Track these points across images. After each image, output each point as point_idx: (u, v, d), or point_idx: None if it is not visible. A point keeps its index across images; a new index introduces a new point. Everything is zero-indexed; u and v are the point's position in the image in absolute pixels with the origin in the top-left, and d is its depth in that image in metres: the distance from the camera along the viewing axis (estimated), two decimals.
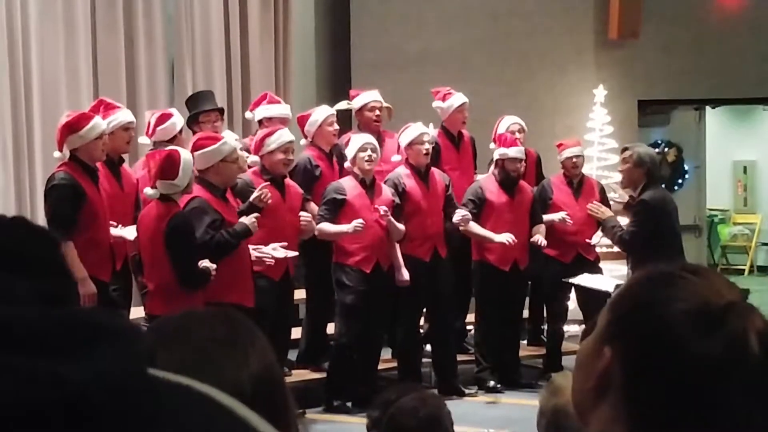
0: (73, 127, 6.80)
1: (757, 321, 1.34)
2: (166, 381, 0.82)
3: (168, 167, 6.48)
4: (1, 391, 0.69)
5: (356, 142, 8.12)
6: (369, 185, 8.15)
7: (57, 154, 6.92)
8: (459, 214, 8.51)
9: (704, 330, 1.32)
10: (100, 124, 6.92)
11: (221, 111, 8.67)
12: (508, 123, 9.28)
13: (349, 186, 8.09)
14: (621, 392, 1.34)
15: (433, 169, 8.60)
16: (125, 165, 7.62)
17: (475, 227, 8.67)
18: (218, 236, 6.79)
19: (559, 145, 9.23)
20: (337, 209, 8.01)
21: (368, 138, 8.21)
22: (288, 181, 7.86)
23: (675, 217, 8.38)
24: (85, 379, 0.71)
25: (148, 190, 6.60)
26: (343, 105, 9.35)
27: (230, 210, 7.04)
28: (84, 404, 0.71)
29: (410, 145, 8.43)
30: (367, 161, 8.08)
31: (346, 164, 8.22)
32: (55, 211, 6.71)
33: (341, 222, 8.00)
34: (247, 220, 6.97)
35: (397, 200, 8.27)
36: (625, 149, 8.57)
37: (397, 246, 8.30)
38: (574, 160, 9.14)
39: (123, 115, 7.37)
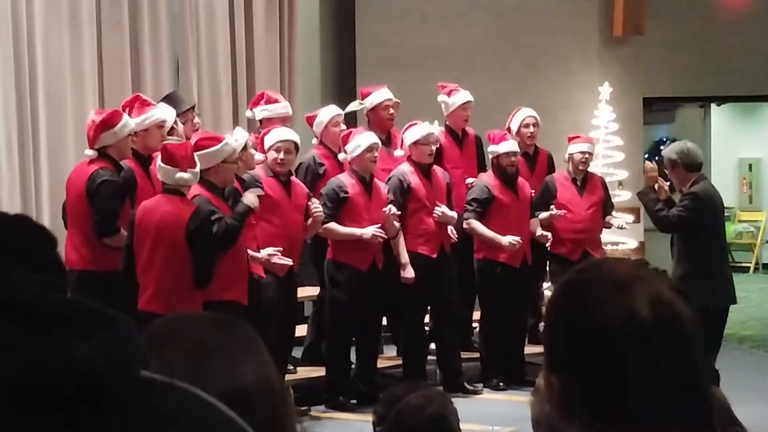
0: (107, 123, 6.85)
1: (652, 287, 1.40)
2: (161, 380, 0.86)
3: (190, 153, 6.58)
4: (14, 366, 0.74)
5: (364, 140, 8.11)
6: (367, 183, 8.16)
7: (89, 152, 6.94)
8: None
9: (607, 301, 1.40)
10: (130, 121, 6.99)
11: (193, 107, 8.68)
12: (523, 116, 9.31)
13: (349, 183, 8.09)
14: (581, 403, 1.41)
15: (435, 166, 8.62)
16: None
17: (480, 228, 8.68)
18: (223, 223, 6.76)
19: (572, 138, 9.18)
20: (339, 207, 8.02)
21: (375, 138, 8.20)
22: (294, 179, 7.86)
23: (721, 215, 8.18)
24: (95, 357, 0.77)
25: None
26: (355, 105, 9.26)
27: (228, 210, 7.01)
28: (93, 381, 0.76)
29: (416, 143, 8.43)
30: (372, 162, 8.10)
31: (341, 156, 8.21)
32: (110, 208, 6.76)
33: (343, 220, 8.01)
34: (248, 198, 6.94)
35: (391, 197, 8.28)
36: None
37: (403, 243, 8.30)
38: (586, 155, 9.10)
39: (158, 113, 7.33)
